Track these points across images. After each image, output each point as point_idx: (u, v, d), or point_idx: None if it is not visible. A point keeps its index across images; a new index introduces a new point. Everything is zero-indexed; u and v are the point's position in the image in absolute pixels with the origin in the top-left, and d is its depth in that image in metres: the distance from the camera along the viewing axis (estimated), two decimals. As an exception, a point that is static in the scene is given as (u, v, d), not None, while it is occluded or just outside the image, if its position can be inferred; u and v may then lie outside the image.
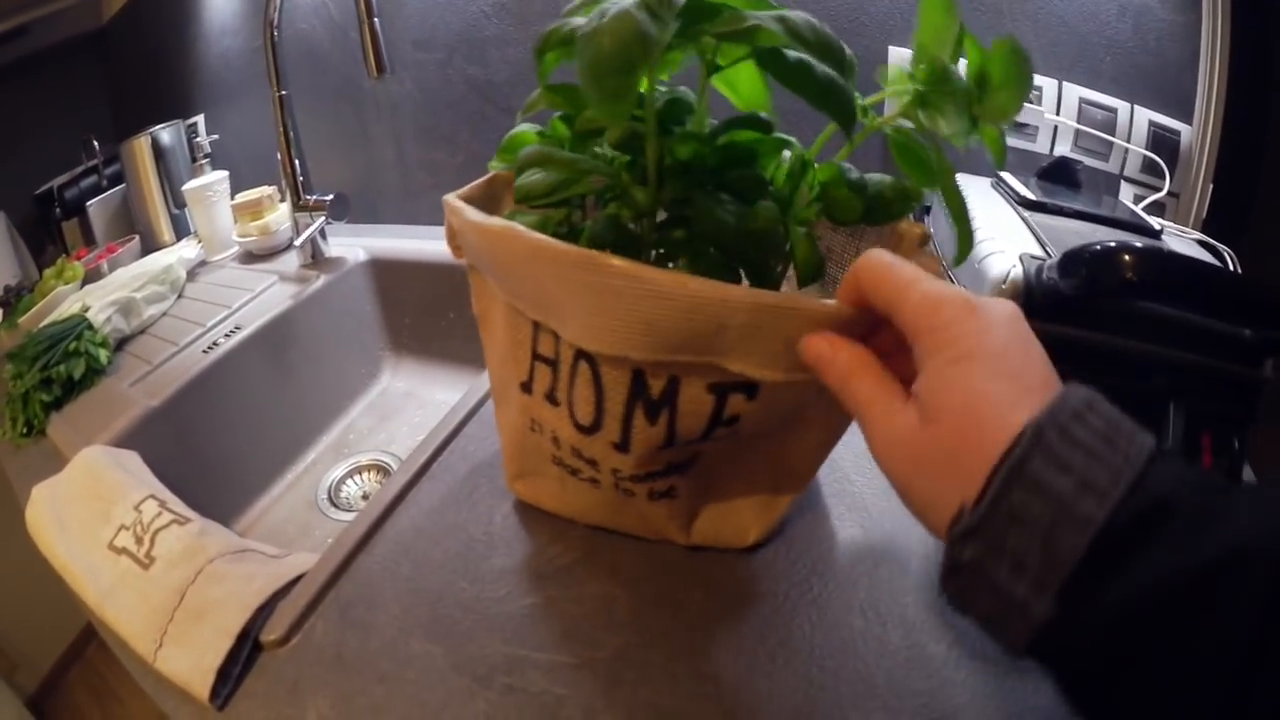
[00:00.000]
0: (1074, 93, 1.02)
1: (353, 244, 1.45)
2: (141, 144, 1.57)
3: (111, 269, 1.49)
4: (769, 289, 0.53)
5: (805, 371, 0.44)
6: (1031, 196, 0.87)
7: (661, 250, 0.54)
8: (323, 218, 1.35)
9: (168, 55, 1.74)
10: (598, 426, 0.53)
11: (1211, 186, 0.98)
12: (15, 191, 1.70)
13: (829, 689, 0.55)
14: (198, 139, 1.70)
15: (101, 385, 1.12)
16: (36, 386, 1.08)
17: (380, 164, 1.58)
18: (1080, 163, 0.99)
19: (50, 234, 1.75)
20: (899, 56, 1.06)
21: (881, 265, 0.40)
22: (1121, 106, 1.01)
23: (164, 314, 1.31)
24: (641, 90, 0.49)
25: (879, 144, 0.54)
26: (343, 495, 1.17)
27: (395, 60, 1.36)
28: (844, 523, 0.68)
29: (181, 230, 1.64)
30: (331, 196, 1.33)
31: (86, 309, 1.22)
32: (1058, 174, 0.98)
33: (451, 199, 0.59)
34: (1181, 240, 0.86)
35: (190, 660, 0.62)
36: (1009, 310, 0.37)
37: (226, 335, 1.19)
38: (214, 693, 0.60)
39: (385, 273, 1.42)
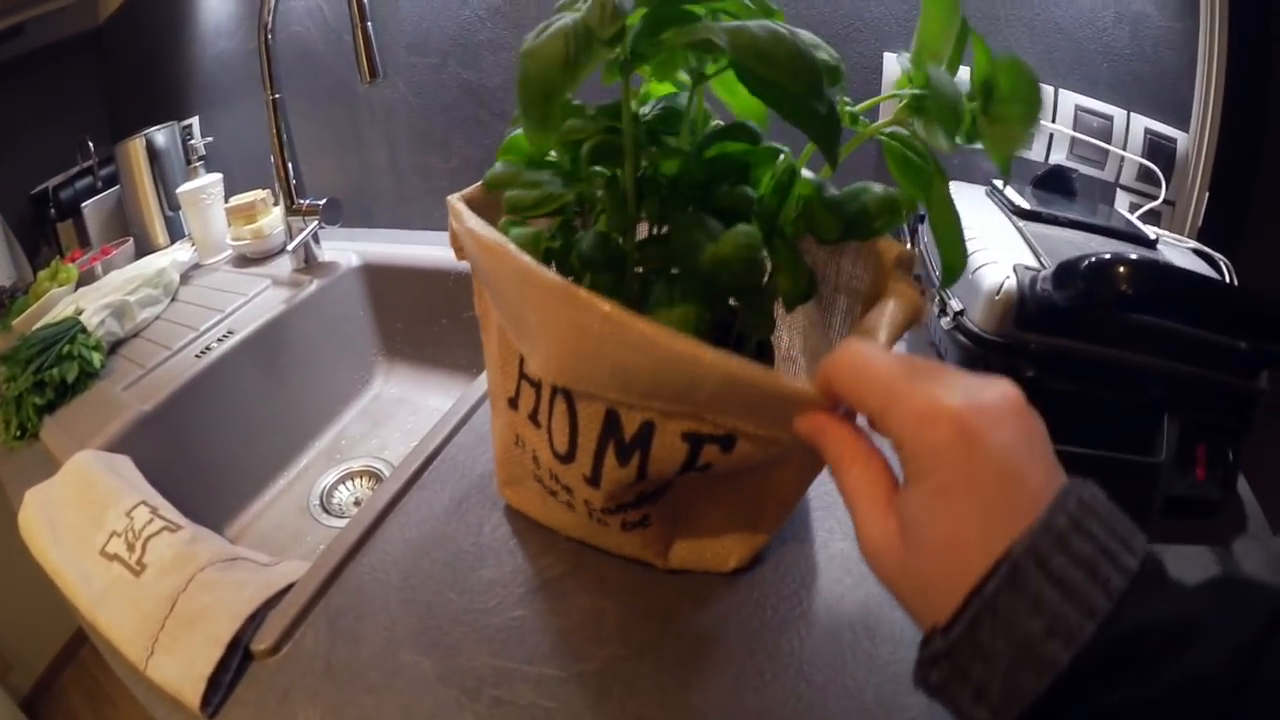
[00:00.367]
0: (1070, 100, 1.02)
1: (346, 248, 1.45)
2: (136, 146, 1.57)
3: (106, 271, 1.49)
4: (757, 308, 0.53)
5: (786, 432, 0.44)
6: (1026, 205, 0.86)
7: (642, 269, 0.53)
8: (316, 222, 1.35)
9: (163, 56, 1.73)
10: (572, 457, 0.53)
11: (1208, 195, 0.97)
12: (10, 192, 1.69)
13: (817, 704, 0.55)
14: (192, 141, 1.70)
15: (94, 389, 1.12)
16: (30, 389, 1.08)
17: (374, 168, 1.58)
18: (1075, 171, 0.98)
19: (45, 235, 1.74)
20: (893, 63, 1.05)
21: (859, 366, 0.38)
22: (1118, 114, 1.01)
23: (157, 317, 1.31)
24: (629, 101, 0.49)
25: (871, 151, 0.53)
26: (335, 501, 1.17)
27: (389, 64, 1.36)
28: (833, 536, 0.68)
29: (176, 233, 1.64)
30: (325, 200, 1.33)
31: (80, 312, 1.22)
32: (1053, 182, 0.98)
33: (454, 201, 0.58)
34: (1177, 249, 0.86)
35: (181, 668, 0.62)
36: (1006, 408, 0.35)
37: (219, 339, 1.19)
38: (205, 701, 0.60)
39: (378, 278, 1.42)
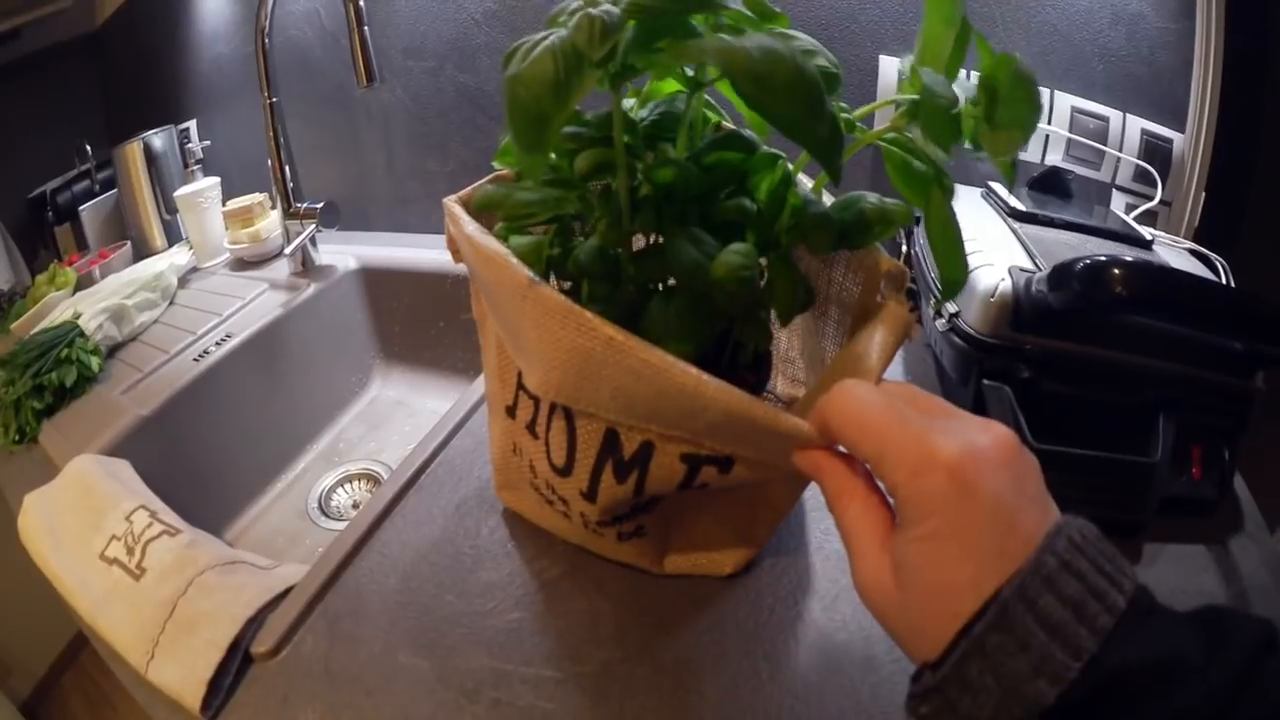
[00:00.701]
0: (1066, 101, 1.02)
1: (343, 252, 1.45)
2: (134, 149, 1.57)
3: (103, 275, 1.48)
4: (753, 321, 0.53)
5: (784, 462, 0.44)
6: (1021, 207, 0.87)
7: (638, 280, 0.53)
8: (313, 225, 1.35)
9: (160, 60, 1.73)
10: (569, 471, 0.53)
11: (1204, 195, 0.97)
12: (8, 195, 1.69)
13: (814, 704, 0.55)
14: (189, 145, 1.69)
15: (93, 393, 1.12)
16: (28, 393, 1.08)
17: (371, 172, 1.58)
18: (1071, 172, 0.98)
19: (43, 239, 1.74)
20: (889, 65, 1.05)
21: (854, 412, 0.38)
22: (1114, 115, 1.01)
23: (155, 321, 1.31)
24: (626, 110, 0.49)
25: (866, 156, 0.53)
26: (333, 504, 1.17)
27: (386, 68, 1.36)
28: (829, 538, 0.68)
29: (173, 236, 1.64)
30: (322, 204, 1.33)
31: (78, 316, 1.22)
32: (1049, 184, 0.98)
33: (451, 204, 0.57)
34: (1173, 250, 0.86)
35: (182, 671, 0.62)
36: (999, 454, 0.35)
37: (217, 343, 1.19)
38: (205, 704, 0.60)
39: (375, 281, 1.42)
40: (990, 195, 0.93)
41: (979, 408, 0.70)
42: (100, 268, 1.51)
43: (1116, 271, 0.62)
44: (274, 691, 0.61)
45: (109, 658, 0.69)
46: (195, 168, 1.69)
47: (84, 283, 1.46)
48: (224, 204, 1.52)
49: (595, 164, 0.49)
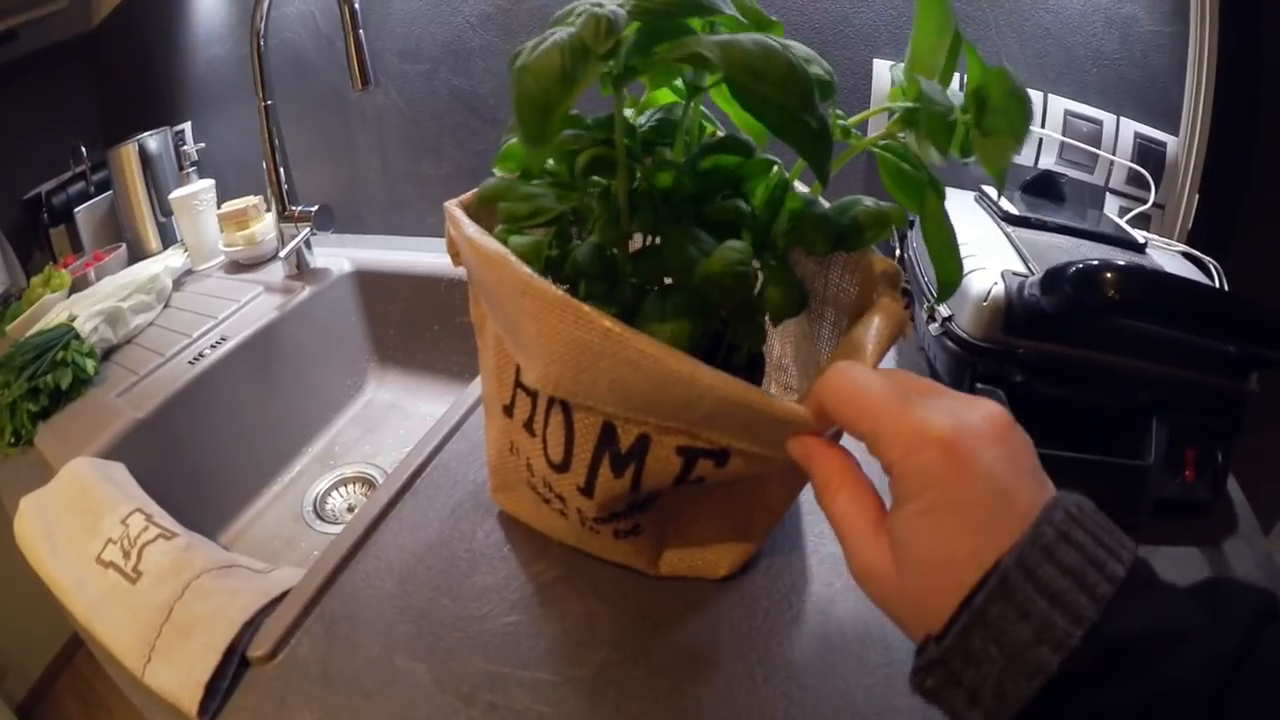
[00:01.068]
0: (1059, 105, 1.02)
1: (338, 255, 1.45)
2: (129, 151, 1.57)
3: (98, 277, 1.48)
4: (747, 322, 0.53)
5: (779, 452, 0.45)
6: (1014, 211, 0.87)
7: (635, 280, 0.53)
8: (308, 228, 1.35)
9: (156, 62, 1.73)
10: (566, 467, 0.53)
11: (1198, 198, 0.98)
12: (3, 196, 1.69)
13: (809, 707, 0.55)
14: (185, 147, 1.69)
15: (88, 395, 1.12)
16: (24, 396, 1.08)
17: (365, 175, 1.58)
18: (1064, 176, 0.99)
19: (38, 240, 1.74)
20: (883, 69, 1.06)
21: (851, 396, 0.39)
22: (1107, 119, 1.01)
23: (150, 324, 1.31)
24: (627, 112, 0.49)
25: (860, 162, 0.53)
26: (328, 507, 1.17)
27: (381, 71, 1.36)
28: (823, 540, 0.69)
29: (168, 238, 1.63)
30: (317, 207, 1.33)
31: (73, 318, 1.21)
32: (1042, 187, 0.98)
33: (452, 207, 0.58)
34: (1167, 253, 0.86)
35: (179, 675, 0.62)
36: (992, 430, 0.36)
37: (212, 346, 1.19)
38: (202, 708, 0.60)
39: (370, 284, 1.42)
40: (983, 199, 0.93)
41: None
42: (95, 270, 1.50)
43: (1108, 275, 0.62)
44: (271, 695, 0.61)
45: (105, 661, 0.69)
46: (190, 170, 1.69)
47: (79, 285, 1.46)
48: (219, 206, 1.52)
49: (595, 161, 0.50)
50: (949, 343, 0.74)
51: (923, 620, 0.35)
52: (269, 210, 1.49)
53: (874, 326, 0.48)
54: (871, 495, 0.40)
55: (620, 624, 0.63)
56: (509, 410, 0.58)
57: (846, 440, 0.43)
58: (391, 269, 1.40)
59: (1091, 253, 0.81)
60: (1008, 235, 0.82)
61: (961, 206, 0.92)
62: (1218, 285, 0.81)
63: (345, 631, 0.65)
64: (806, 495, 0.72)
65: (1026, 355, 0.70)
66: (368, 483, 1.22)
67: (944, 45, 0.47)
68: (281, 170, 1.32)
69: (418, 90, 1.42)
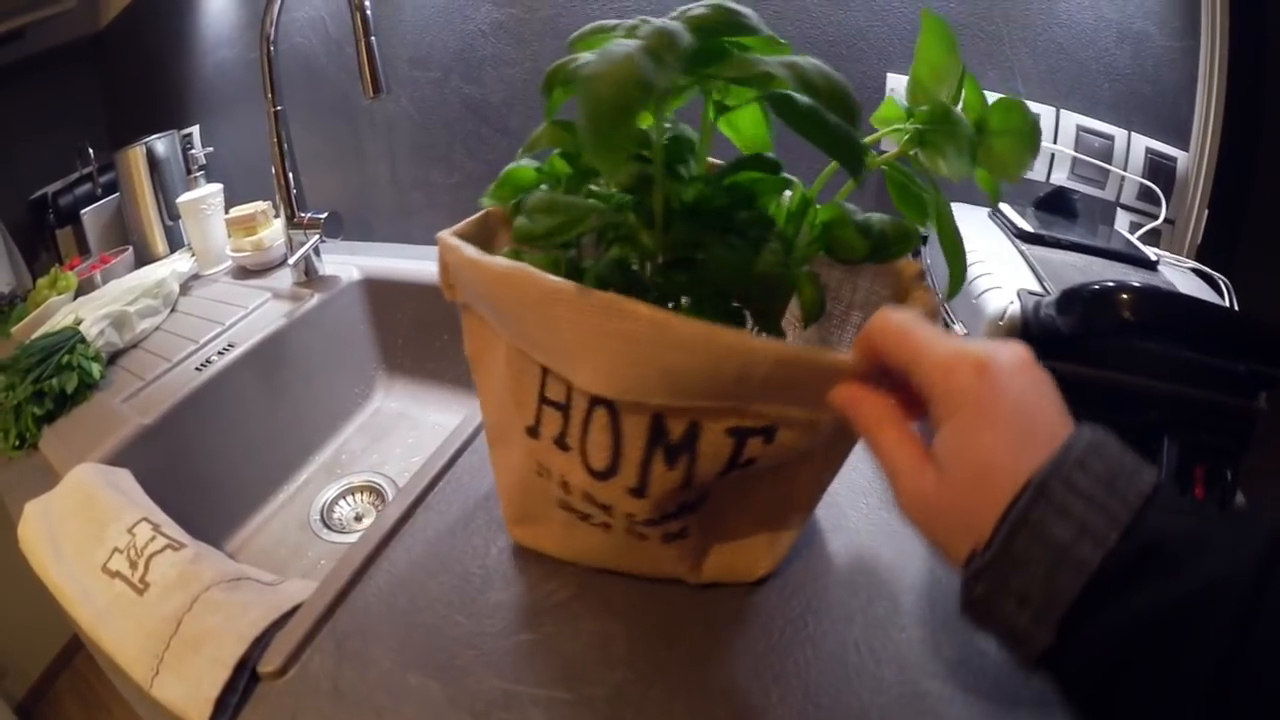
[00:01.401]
0: (1071, 120, 1.02)
1: (346, 262, 1.45)
2: (136, 154, 1.57)
3: (105, 280, 1.48)
4: (772, 327, 0.53)
5: (827, 411, 0.46)
6: (1028, 228, 0.87)
7: (658, 293, 0.53)
8: (317, 235, 1.35)
9: (164, 64, 1.73)
10: (613, 472, 0.53)
11: (1207, 213, 0.98)
12: (10, 197, 1.69)
13: (825, 727, 0.55)
14: (193, 150, 1.69)
15: (94, 400, 1.12)
16: (28, 399, 1.07)
17: (375, 182, 1.57)
18: (1077, 192, 0.99)
19: (44, 241, 1.74)
20: (897, 83, 1.06)
21: (897, 329, 0.42)
22: (1119, 134, 1.01)
23: (157, 328, 1.31)
24: (646, 128, 0.50)
25: (871, 180, 0.54)
26: (335, 516, 1.17)
27: (391, 78, 1.36)
28: (838, 559, 0.69)
29: (175, 242, 1.63)
30: (326, 214, 1.33)
31: (79, 321, 1.21)
32: (1055, 204, 0.98)
33: (447, 237, 0.58)
34: (1178, 270, 0.86)
35: (187, 689, 0.62)
36: (1019, 361, 0.39)
37: (219, 353, 1.19)
38: (211, 723, 0.60)
39: (379, 292, 1.42)
40: (997, 216, 0.93)
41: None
42: (102, 273, 1.50)
43: (1124, 296, 0.63)
44: (281, 711, 0.61)
45: (109, 670, 0.69)
46: (198, 174, 1.69)
47: (85, 287, 1.46)
48: (227, 211, 1.52)
49: (636, 178, 0.51)
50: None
51: (968, 536, 0.37)
52: (277, 216, 1.49)
53: (912, 310, 0.50)
54: (914, 433, 0.42)
55: (636, 643, 0.62)
56: (534, 431, 0.57)
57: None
58: (401, 277, 1.40)
59: (1105, 271, 0.81)
60: (1022, 252, 0.82)
61: (975, 223, 0.92)
62: (1228, 302, 0.81)
63: (357, 647, 0.65)
64: (822, 519, 0.72)
65: (1042, 374, 0.70)
66: (375, 492, 1.22)
67: (950, 72, 0.50)
68: (290, 176, 1.31)
69: (428, 98, 1.42)
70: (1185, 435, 0.69)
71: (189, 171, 1.68)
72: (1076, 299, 0.64)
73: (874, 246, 0.54)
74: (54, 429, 1.07)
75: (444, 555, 0.73)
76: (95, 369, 1.14)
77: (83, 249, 1.69)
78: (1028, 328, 0.69)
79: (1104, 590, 0.33)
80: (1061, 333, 0.66)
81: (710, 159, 0.57)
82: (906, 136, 0.53)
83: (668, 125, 0.56)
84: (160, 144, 1.60)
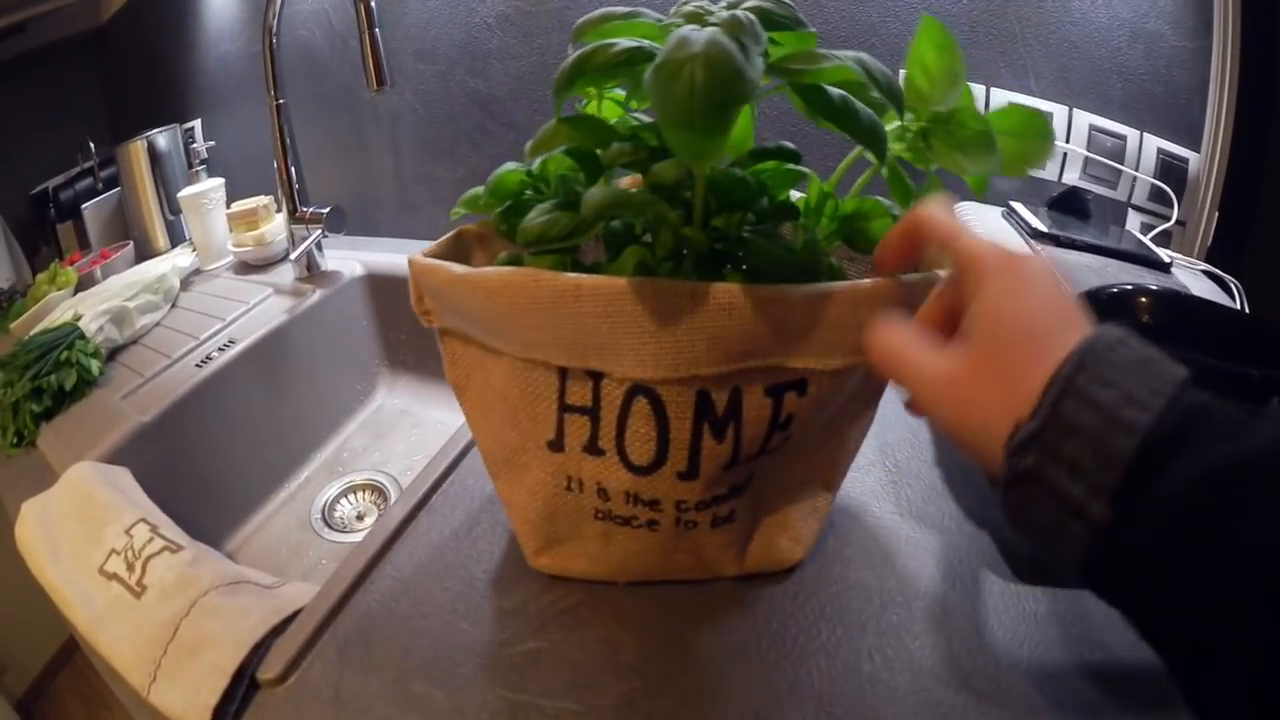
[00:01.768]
0: (1084, 120, 1.01)
1: (349, 257, 1.43)
2: (138, 148, 1.56)
3: (105, 275, 1.47)
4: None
5: (858, 354, 0.48)
6: (1042, 228, 0.86)
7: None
8: (319, 230, 1.33)
9: (166, 57, 1.72)
10: (660, 461, 0.53)
11: (1217, 215, 0.97)
12: (10, 191, 1.68)
13: (839, 738, 0.54)
14: (194, 144, 1.69)
15: (93, 397, 1.11)
16: (27, 396, 1.07)
17: (378, 176, 1.56)
18: (1089, 192, 0.98)
19: (44, 235, 1.73)
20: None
21: (927, 213, 0.45)
22: (1131, 134, 1.01)
23: (157, 324, 1.30)
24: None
25: (856, 174, 0.56)
26: (336, 515, 1.16)
27: (395, 71, 1.35)
28: (851, 566, 0.67)
29: (176, 237, 1.63)
30: (328, 209, 1.31)
31: (79, 317, 1.20)
32: (1068, 204, 0.98)
33: (423, 260, 0.57)
34: (1190, 273, 0.86)
35: (185, 696, 0.61)
36: (1046, 267, 0.40)
37: (220, 349, 1.18)
38: (210, 731, 0.59)
39: (382, 288, 1.41)
40: (1011, 215, 0.92)
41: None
42: (102, 268, 1.50)
43: (1143, 300, 0.63)
44: (281, 719, 0.60)
45: (107, 673, 0.68)
46: (200, 168, 1.68)
47: (85, 282, 1.46)
48: (228, 206, 1.50)
49: (676, 174, 0.49)
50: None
51: (1007, 410, 0.37)
52: (279, 211, 1.47)
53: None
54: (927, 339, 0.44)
55: (645, 651, 0.61)
56: (557, 444, 0.56)
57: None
58: (403, 273, 1.36)
59: (1120, 272, 0.81)
60: (1037, 252, 0.81)
61: (990, 222, 0.91)
62: (1239, 305, 0.81)
63: (359, 654, 0.63)
64: (835, 524, 0.71)
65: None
66: (377, 490, 1.21)
67: (946, 74, 0.50)
68: (293, 170, 1.30)
69: (433, 91, 1.41)
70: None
71: (190, 166, 1.67)
72: (1096, 302, 0.64)
73: None
74: (52, 426, 1.06)
75: (448, 560, 0.71)
76: (94, 365, 1.13)
77: (83, 243, 1.68)
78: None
79: (1159, 454, 0.32)
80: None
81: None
82: (911, 134, 0.53)
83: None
84: (162, 138, 1.59)
